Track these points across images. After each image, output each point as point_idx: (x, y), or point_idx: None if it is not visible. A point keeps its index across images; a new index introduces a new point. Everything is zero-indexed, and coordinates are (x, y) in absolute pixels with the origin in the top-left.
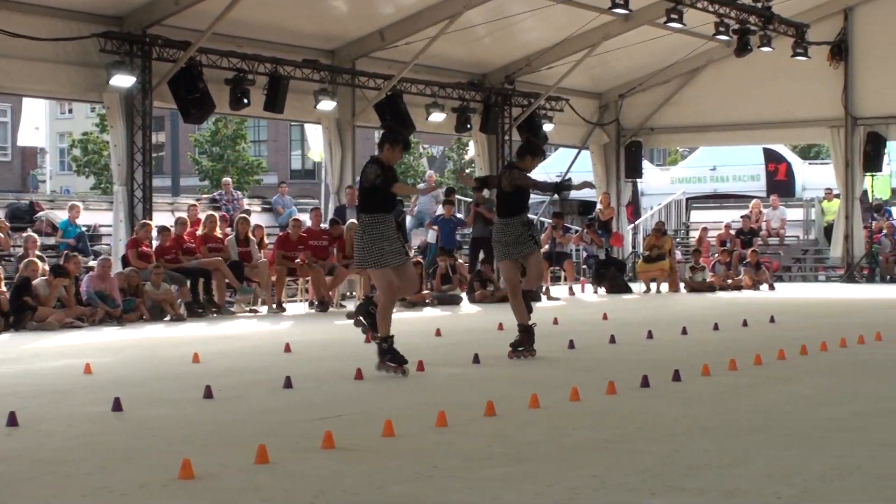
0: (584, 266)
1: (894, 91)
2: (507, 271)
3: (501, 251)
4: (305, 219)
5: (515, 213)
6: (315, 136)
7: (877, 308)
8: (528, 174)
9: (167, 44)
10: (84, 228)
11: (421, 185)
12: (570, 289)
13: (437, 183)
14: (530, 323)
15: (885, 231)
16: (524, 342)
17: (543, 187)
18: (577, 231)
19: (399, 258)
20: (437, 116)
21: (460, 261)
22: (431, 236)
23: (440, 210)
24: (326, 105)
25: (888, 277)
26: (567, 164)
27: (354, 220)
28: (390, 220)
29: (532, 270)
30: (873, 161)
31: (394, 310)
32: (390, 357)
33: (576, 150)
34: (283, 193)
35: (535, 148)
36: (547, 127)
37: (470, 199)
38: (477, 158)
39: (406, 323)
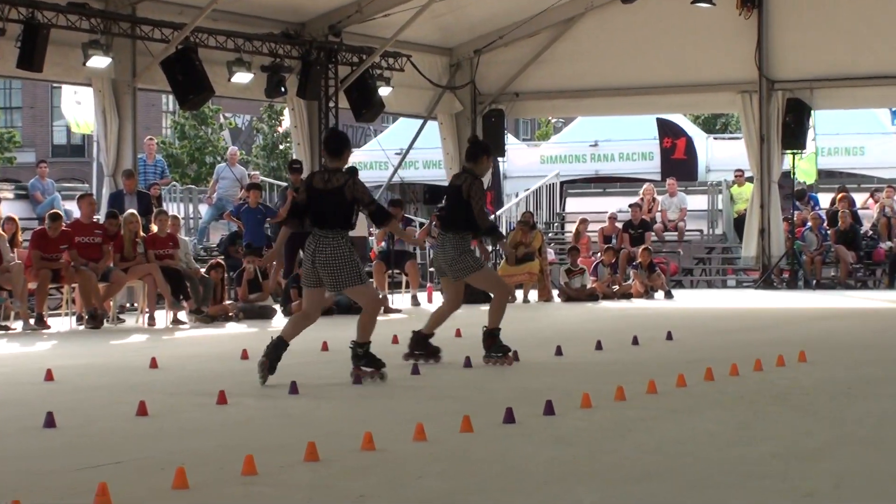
0: (432, 269)
1: (820, 48)
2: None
3: (458, 267)
4: (72, 209)
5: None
6: (73, 102)
7: (800, 320)
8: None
9: None
10: None
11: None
12: (414, 297)
13: (243, 160)
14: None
15: (809, 224)
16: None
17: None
18: (422, 224)
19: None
20: (243, 77)
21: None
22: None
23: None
24: (99, 61)
25: (814, 282)
26: (409, 138)
27: (133, 212)
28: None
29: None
30: (795, 135)
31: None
32: (365, 362)
33: (420, 121)
34: (42, 175)
35: (487, 146)
36: (383, 91)
37: (284, 183)
38: (294, 131)
39: (204, 342)
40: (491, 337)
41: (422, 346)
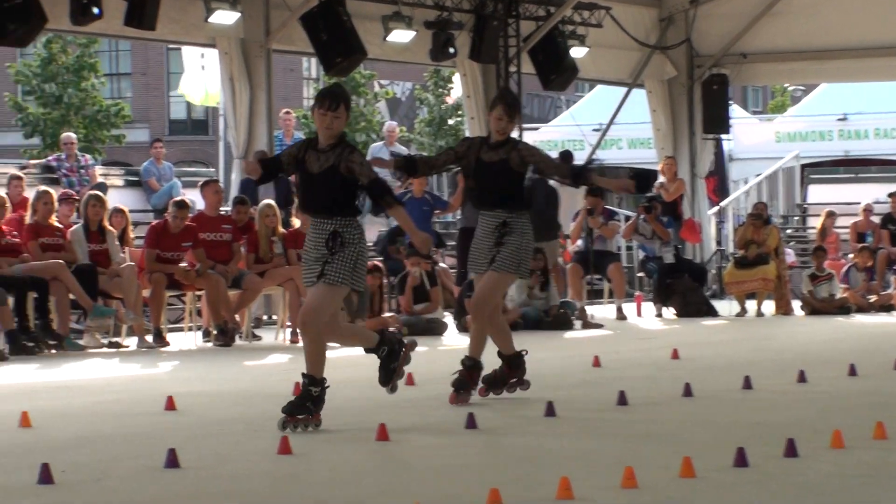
0: (641, 274)
1: None
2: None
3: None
4: (195, 198)
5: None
6: (197, 67)
7: None
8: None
9: None
10: None
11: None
12: (619, 309)
13: (404, 138)
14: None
15: None
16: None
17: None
18: (627, 218)
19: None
20: (402, 35)
21: (442, 265)
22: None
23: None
24: (224, 17)
25: None
26: (609, 111)
27: (270, 202)
28: None
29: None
30: None
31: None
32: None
33: (623, 90)
34: (158, 158)
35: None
36: (576, 52)
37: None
38: (466, 102)
39: (359, 364)
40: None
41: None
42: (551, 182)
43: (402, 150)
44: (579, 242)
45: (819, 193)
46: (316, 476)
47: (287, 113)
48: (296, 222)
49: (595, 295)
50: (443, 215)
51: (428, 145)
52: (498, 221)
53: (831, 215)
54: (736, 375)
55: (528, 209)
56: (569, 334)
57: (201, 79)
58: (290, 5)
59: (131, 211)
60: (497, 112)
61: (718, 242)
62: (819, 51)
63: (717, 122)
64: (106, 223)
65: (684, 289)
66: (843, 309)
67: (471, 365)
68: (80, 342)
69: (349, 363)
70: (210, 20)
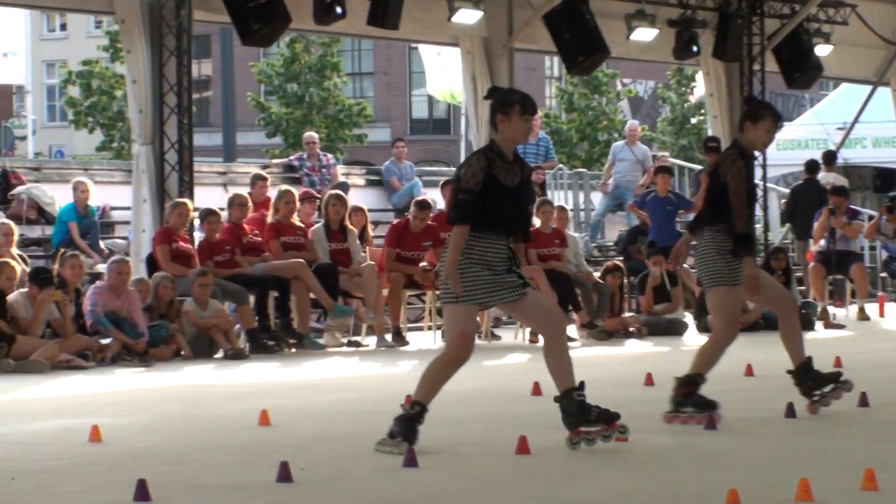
0: (884, 274)
1: None
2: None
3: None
4: (437, 197)
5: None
6: (436, 66)
7: None
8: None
9: None
10: (97, 213)
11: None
12: (861, 309)
13: (646, 137)
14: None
15: None
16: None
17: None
18: (871, 218)
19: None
20: (645, 34)
21: (685, 265)
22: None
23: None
24: (468, 16)
25: None
26: (854, 109)
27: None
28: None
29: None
30: None
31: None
32: (596, 414)
33: (868, 88)
34: (399, 157)
35: (757, 104)
36: (821, 50)
37: (699, 167)
38: (709, 100)
39: (599, 364)
40: (687, 385)
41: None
42: None
43: (644, 149)
44: (822, 242)
45: None
46: (553, 476)
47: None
48: (536, 221)
49: (838, 295)
50: (686, 215)
51: (670, 144)
52: None
53: None
54: None
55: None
56: (810, 335)
57: (444, 77)
58: (534, 4)
59: (372, 210)
60: (769, 124)
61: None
62: None
63: None
64: (347, 222)
65: None
66: None
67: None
68: (320, 341)
69: (586, 363)
70: (453, 19)
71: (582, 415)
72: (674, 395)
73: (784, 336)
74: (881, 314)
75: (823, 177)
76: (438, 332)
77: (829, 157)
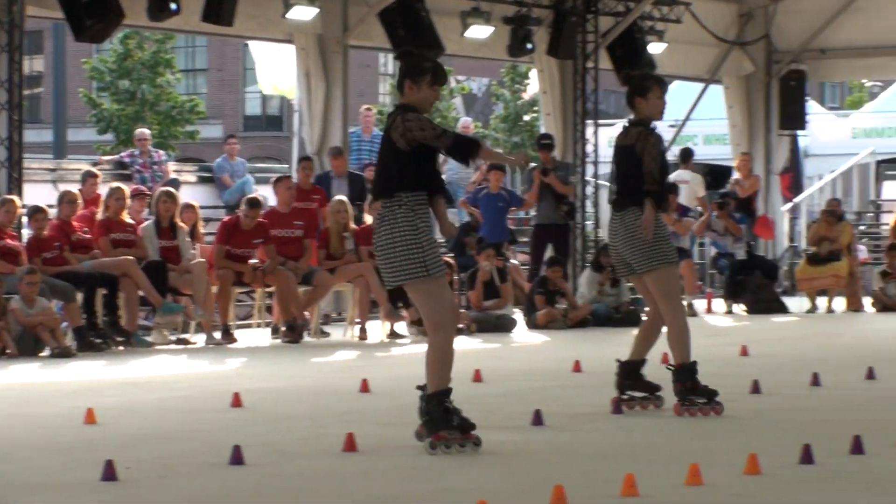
0: (713, 270)
1: None
2: (643, 292)
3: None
4: (268, 194)
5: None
6: (267, 62)
7: None
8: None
9: None
10: None
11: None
12: (690, 305)
13: (479, 134)
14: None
15: None
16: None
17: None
18: (700, 214)
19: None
20: (480, 31)
21: (514, 261)
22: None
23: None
24: (303, 12)
25: None
26: (686, 106)
27: (342, 199)
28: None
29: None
30: None
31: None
32: (458, 422)
33: (700, 86)
34: (232, 154)
35: (648, 75)
36: (655, 48)
37: (534, 164)
38: (542, 98)
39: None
40: (685, 375)
41: (637, 382)
42: None
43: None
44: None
45: (894, 190)
46: (380, 473)
47: (368, 109)
48: (368, 218)
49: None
50: (518, 212)
51: (503, 141)
52: None
53: None
54: (805, 373)
55: None
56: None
57: (276, 72)
58: (369, 1)
59: (203, 207)
60: (657, 92)
61: (791, 239)
62: None
63: (794, 119)
64: (177, 219)
65: (755, 285)
66: None
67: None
68: (148, 339)
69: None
70: (288, 16)
71: (446, 418)
72: (677, 389)
73: (643, 330)
74: (708, 310)
75: (678, 175)
76: (268, 330)
77: (687, 154)
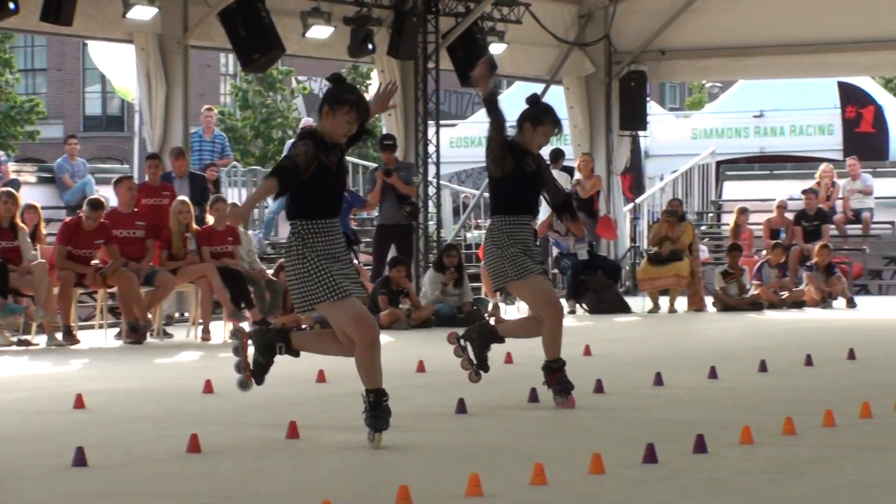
0: (555, 271)
1: None
2: (541, 290)
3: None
4: (109, 195)
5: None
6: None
7: None
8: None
9: None
10: None
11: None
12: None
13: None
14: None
15: None
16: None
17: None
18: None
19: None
20: (320, 31)
21: (356, 262)
22: None
23: None
24: (142, 12)
25: None
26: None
27: (184, 199)
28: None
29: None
30: None
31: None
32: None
33: (541, 86)
34: (72, 154)
35: (538, 113)
36: (495, 49)
37: (374, 164)
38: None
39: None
40: (555, 371)
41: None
42: None
43: None
44: None
45: (734, 190)
46: (225, 474)
47: (209, 110)
48: (210, 219)
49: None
50: (360, 213)
51: None
52: (532, 227)
53: (744, 212)
54: (647, 372)
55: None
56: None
57: (119, 73)
58: (209, 1)
59: (44, 207)
60: (547, 129)
61: (633, 239)
62: (737, 48)
63: (635, 119)
64: (18, 220)
65: (598, 285)
66: (755, 305)
67: (559, 367)
68: None
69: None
70: (128, 16)
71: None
72: (549, 384)
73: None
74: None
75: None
76: (111, 331)
77: (557, 154)
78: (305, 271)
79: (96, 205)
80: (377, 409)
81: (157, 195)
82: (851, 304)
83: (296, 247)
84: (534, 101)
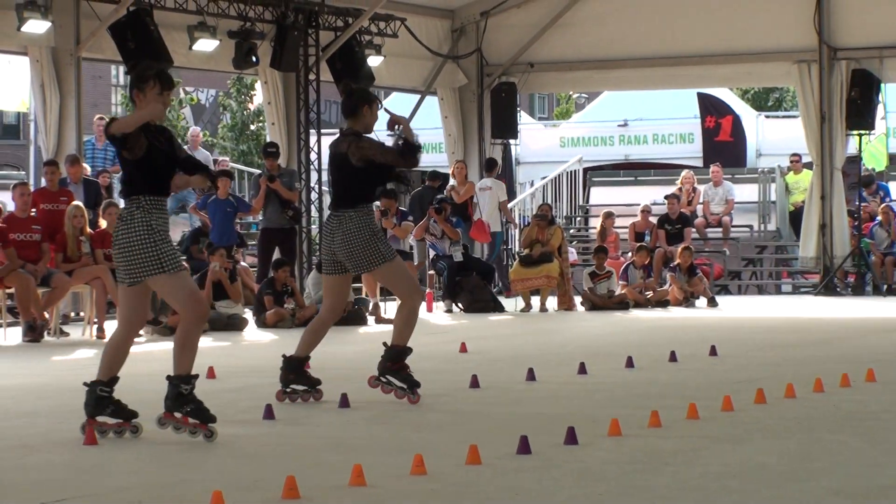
0: (432, 272)
1: (892, 10)
2: (335, 289)
3: (387, 249)
4: (6, 200)
5: (360, 202)
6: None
7: (868, 332)
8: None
9: None
10: None
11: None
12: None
13: (208, 143)
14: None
15: (879, 218)
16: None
17: (401, 157)
18: (506, 220)
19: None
20: (206, 44)
21: (243, 263)
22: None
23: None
24: (36, 26)
25: (884, 287)
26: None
27: (78, 204)
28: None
29: (402, 298)
30: (861, 114)
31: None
32: (192, 409)
33: (417, 97)
34: None
35: (366, 92)
36: (372, 61)
37: (258, 171)
38: (267, 108)
39: (162, 358)
40: (397, 359)
41: (300, 376)
42: None
43: (206, 153)
44: None
45: (601, 195)
46: (120, 465)
47: (101, 118)
48: (103, 223)
49: (389, 292)
50: (245, 217)
51: (230, 149)
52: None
53: (609, 216)
54: (520, 368)
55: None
56: (362, 329)
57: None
58: (100, 15)
59: None
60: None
61: (506, 242)
62: (601, 60)
63: (506, 128)
64: None
65: (472, 286)
66: (621, 305)
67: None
68: None
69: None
70: (23, 29)
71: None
72: (381, 365)
73: (311, 329)
74: (429, 309)
75: (482, 182)
76: (10, 330)
77: (491, 163)
78: (151, 242)
79: None
80: (187, 398)
81: (55, 200)
82: (713, 303)
83: (140, 218)
84: (348, 90)
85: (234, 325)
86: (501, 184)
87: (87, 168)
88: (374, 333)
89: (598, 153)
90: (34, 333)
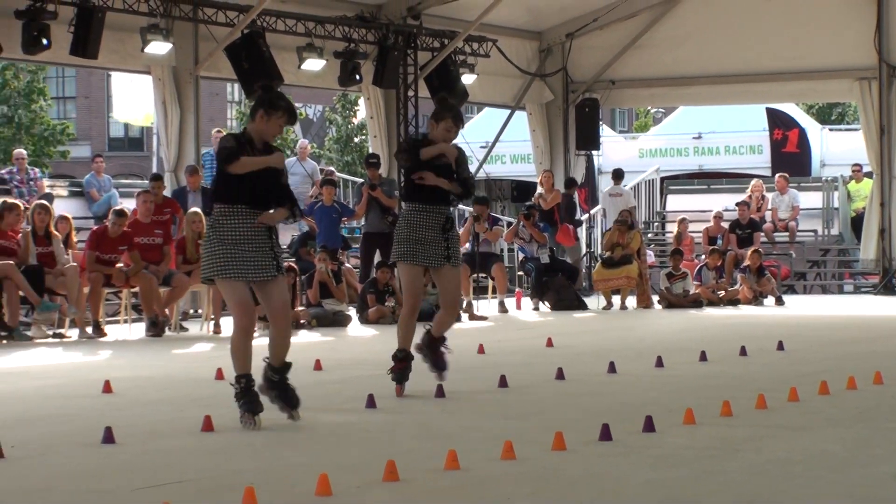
0: (521, 273)
1: None
2: (407, 277)
3: (403, 249)
4: (131, 206)
5: (432, 201)
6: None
7: None
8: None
9: None
10: None
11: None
12: (501, 303)
13: (315, 154)
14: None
15: None
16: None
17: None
18: (509, 224)
19: (263, 271)
20: (314, 64)
21: (347, 265)
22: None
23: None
24: (158, 48)
25: None
26: (495, 130)
27: (197, 210)
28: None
29: (446, 298)
30: None
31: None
32: (244, 403)
33: (507, 112)
34: (98, 171)
35: (443, 108)
36: (467, 79)
37: (361, 180)
38: (370, 122)
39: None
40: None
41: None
42: None
43: (313, 164)
44: (467, 245)
45: (676, 202)
46: (236, 450)
47: (218, 132)
48: None
49: (480, 291)
50: (349, 222)
51: (336, 160)
52: (444, 217)
53: (684, 221)
54: (602, 361)
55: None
56: (457, 325)
57: (135, 102)
58: (217, 37)
59: (74, 218)
60: (447, 124)
61: (589, 245)
62: (677, 78)
63: (589, 140)
64: (52, 229)
65: (558, 286)
66: (695, 303)
67: (404, 357)
68: (28, 333)
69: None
70: (146, 50)
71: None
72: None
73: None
74: (518, 307)
75: (613, 188)
76: (135, 325)
77: (619, 173)
78: (212, 246)
79: (121, 213)
80: (248, 395)
81: (159, 212)
82: (780, 302)
83: (212, 224)
84: (440, 100)
85: (339, 321)
86: (630, 192)
87: (205, 177)
88: (467, 329)
89: (674, 163)
90: (156, 329)
